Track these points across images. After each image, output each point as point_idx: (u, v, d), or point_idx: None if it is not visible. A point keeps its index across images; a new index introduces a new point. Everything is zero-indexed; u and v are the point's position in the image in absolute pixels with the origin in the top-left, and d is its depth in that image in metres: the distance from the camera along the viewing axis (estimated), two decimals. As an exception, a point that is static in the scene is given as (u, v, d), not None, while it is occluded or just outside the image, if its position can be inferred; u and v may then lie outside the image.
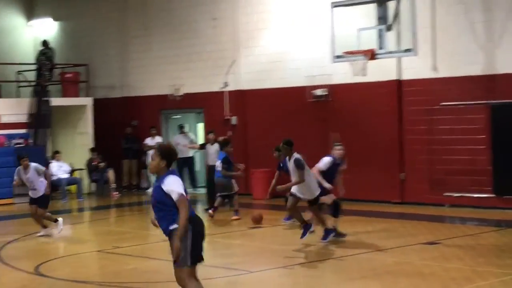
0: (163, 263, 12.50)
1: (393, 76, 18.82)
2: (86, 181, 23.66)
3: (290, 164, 13.27)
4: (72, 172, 23.30)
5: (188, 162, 23.07)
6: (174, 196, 7.63)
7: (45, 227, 15.63)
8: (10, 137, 22.61)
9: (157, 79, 23.66)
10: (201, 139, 23.44)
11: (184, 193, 7.67)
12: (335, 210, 13.87)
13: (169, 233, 7.87)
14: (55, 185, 22.60)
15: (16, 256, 13.60)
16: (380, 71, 18.23)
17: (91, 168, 23.46)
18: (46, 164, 22.54)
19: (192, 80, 22.68)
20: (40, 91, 23.66)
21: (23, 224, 17.19)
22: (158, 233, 15.67)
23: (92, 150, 23.68)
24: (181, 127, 23.26)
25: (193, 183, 23.21)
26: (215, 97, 22.13)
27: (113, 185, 22.91)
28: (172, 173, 7.76)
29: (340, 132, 19.28)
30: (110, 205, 21.49)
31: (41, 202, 15.42)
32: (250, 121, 21.72)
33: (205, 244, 14.64)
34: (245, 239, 14.77)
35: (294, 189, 13.34)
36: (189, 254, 7.84)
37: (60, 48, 25.39)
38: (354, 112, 19.52)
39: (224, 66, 21.89)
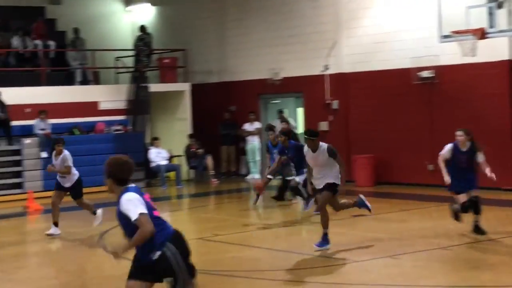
0: (263, 252, 12.36)
1: (504, 56, 17.95)
2: (184, 167, 23.49)
3: (320, 155, 11.95)
4: (170, 158, 23.19)
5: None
6: (132, 217, 6.40)
7: (56, 224, 14.49)
8: (109, 123, 22.64)
9: (255, 63, 23.26)
10: (300, 124, 22.95)
11: (143, 210, 6.43)
12: (475, 207, 12.48)
13: (153, 263, 6.60)
14: (154, 172, 22.62)
15: (116, 243, 13.44)
16: (491, 51, 17.36)
17: (190, 155, 23.31)
18: (145, 150, 22.60)
19: (291, 64, 22.21)
20: (138, 77, 23.65)
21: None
22: (258, 221, 15.47)
23: (190, 136, 23.54)
24: (280, 112, 22.82)
25: (293, 169, 22.74)
26: (315, 80, 21.58)
27: (212, 172, 22.69)
28: (129, 190, 6.56)
29: (447, 116, 18.58)
30: (209, 192, 21.30)
31: (75, 192, 14.72)
32: (352, 105, 21.08)
33: (308, 234, 14.28)
34: (348, 228, 14.36)
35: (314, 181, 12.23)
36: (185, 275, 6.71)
37: (157, 33, 25.26)
38: (463, 95, 18.69)
39: (324, 48, 21.30)
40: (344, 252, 11.87)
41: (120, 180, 6.57)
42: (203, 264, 11.50)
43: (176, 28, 25.73)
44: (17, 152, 21.06)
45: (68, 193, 14.84)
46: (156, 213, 6.61)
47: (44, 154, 20.96)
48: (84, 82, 24.03)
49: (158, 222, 6.55)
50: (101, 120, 22.65)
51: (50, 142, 20.91)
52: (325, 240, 11.97)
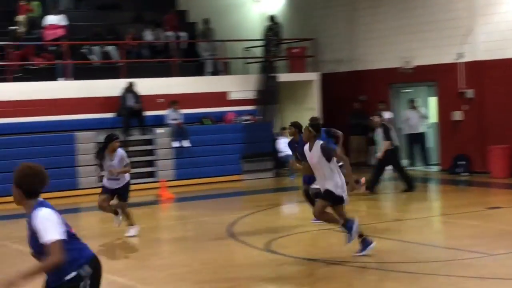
0: (395, 243, 12.18)
1: None
2: (313, 157, 23.29)
3: (315, 154, 10.62)
4: (299, 148, 23.05)
5: (419, 138, 22.11)
6: (45, 239, 5.45)
7: (116, 213, 13.49)
8: (239, 113, 22.74)
9: (386, 51, 22.79)
10: (433, 114, 22.35)
11: (60, 236, 5.48)
12: None
13: (64, 283, 5.70)
14: (282, 162, 22.57)
15: (247, 233, 13.54)
16: None
17: (319, 145, 23.07)
18: (273, 140, 22.58)
19: (423, 52, 21.63)
20: (267, 67, 23.65)
21: (252, 200, 17.22)
22: (390, 212, 15.13)
23: (320, 126, 23.29)
24: (411, 102, 22.31)
25: (425, 160, 22.20)
26: (448, 69, 20.95)
27: (341, 162, 22.35)
28: (41, 205, 5.61)
29: None
30: (338, 183, 21.01)
31: (123, 194, 13.25)
32: (488, 94, 20.33)
33: (441, 225, 13.88)
34: (483, 220, 13.92)
35: (316, 183, 11.08)
36: None
37: (287, 22, 25.14)
38: None
39: (458, 35, 20.64)
40: (478, 245, 11.44)
41: (30, 193, 5.63)
42: (332, 255, 11.40)
43: (306, 17, 25.55)
44: (150, 142, 21.49)
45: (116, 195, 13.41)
46: (72, 230, 5.76)
47: (176, 144, 21.30)
48: (214, 72, 24.24)
49: (76, 241, 5.78)
50: (230, 110, 22.79)
51: (182, 132, 21.29)
52: (364, 243, 10.81)
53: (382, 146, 17.64)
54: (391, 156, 17.56)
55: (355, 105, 23.50)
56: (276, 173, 22.64)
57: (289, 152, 22.29)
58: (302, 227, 13.98)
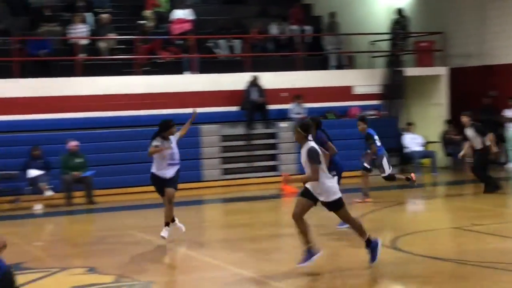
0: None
1: None
2: (440, 154, 22.72)
3: (303, 152, 9.93)
4: (425, 144, 22.55)
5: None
6: None
7: (169, 223, 12.53)
8: (363, 108, 22.41)
9: (519, 45, 21.95)
10: None
11: None
12: None
13: None
14: (407, 158, 22.12)
15: (372, 229, 13.14)
16: None
17: (446, 141, 22.51)
18: (399, 136, 22.13)
19: (560, 44, 20.74)
20: (393, 61, 23.22)
21: (377, 196, 16.93)
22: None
23: (447, 122, 22.73)
24: (542, 97, 21.42)
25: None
26: None
27: (470, 159, 21.70)
28: None
29: None
30: (466, 180, 20.41)
31: (175, 181, 12.50)
32: None
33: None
34: None
35: (308, 185, 10.30)
36: None
37: (414, 16, 24.57)
38: None
39: None
40: None
41: None
42: (461, 254, 11.06)
43: (434, 10, 24.88)
44: (273, 136, 21.47)
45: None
46: None
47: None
48: (339, 66, 24.02)
49: None
50: (355, 105, 22.50)
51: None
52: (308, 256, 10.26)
53: (482, 145, 16.96)
54: (478, 155, 16.93)
55: (485, 100, 22.73)
56: (401, 169, 22.17)
57: (415, 148, 22.02)
58: (429, 224, 13.64)
